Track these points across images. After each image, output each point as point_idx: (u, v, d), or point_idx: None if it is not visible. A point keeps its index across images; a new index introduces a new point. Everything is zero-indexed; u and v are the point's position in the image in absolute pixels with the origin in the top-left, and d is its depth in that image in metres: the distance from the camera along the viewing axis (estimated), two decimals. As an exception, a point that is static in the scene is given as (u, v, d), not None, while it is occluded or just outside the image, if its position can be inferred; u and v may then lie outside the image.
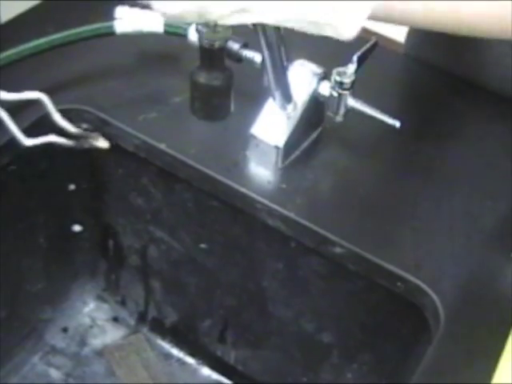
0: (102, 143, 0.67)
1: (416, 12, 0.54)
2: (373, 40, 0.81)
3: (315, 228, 0.73)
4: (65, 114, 0.82)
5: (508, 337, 0.64)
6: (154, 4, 0.46)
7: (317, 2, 0.47)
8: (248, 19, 0.47)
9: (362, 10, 0.49)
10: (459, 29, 0.58)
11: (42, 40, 0.82)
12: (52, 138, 0.64)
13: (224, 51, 0.59)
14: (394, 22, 0.53)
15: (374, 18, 0.50)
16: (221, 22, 0.46)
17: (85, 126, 0.83)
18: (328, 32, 0.49)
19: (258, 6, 0.46)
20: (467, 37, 0.60)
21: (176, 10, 0.45)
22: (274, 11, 0.46)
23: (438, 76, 0.94)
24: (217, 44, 0.57)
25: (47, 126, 0.69)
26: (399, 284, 0.71)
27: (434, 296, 0.69)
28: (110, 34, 0.83)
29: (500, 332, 0.65)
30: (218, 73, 0.59)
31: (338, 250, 0.73)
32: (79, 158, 0.84)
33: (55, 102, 0.82)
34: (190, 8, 0.45)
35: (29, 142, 0.64)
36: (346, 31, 0.49)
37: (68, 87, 0.84)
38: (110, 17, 0.82)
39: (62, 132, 0.67)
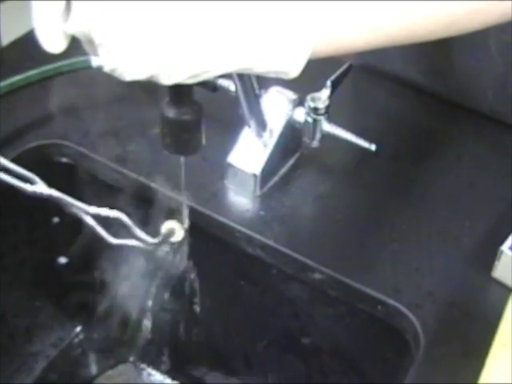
0: (178, 237, 0.72)
1: (362, 37, 0.53)
2: (347, 63, 0.82)
3: (294, 255, 0.74)
4: (44, 149, 0.83)
5: (487, 357, 0.64)
6: (108, 68, 0.48)
7: (257, 59, 0.49)
8: (200, 78, 0.49)
9: (302, 54, 0.50)
10: (412, 41, 0.57)
11: (19, 77, 0.82)
12: (135, 243, 0.71)
13: (192, 85, 0.59)
14: (343, 52, 0.53)
15: (317, 55, 0.51)
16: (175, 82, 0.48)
17: (64, 160, 0.84)
18: (272, 75, 0.50)
19: (207, 67, 0.48)
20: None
21: (130, 76, 0.47)
22: (219, 69, 0.48)
23: (415, 95, 0.94)
24: (184, 79, 0.57)
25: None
26: (380, 308, 0.71)
27: (414, 319, 0.69)
28: (87, 68, 0.84)
29: (480, 352, 0.65)
30: (187, 107, 0.59)
31: (317, 275, 0.73)
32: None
33: (34, 138, 0.83)
34: (143, 76, 0.47)
35: (115, 241, 0.70)
36: (290, 74, 0.51)
37: (46, 122, 0.85)
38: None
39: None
